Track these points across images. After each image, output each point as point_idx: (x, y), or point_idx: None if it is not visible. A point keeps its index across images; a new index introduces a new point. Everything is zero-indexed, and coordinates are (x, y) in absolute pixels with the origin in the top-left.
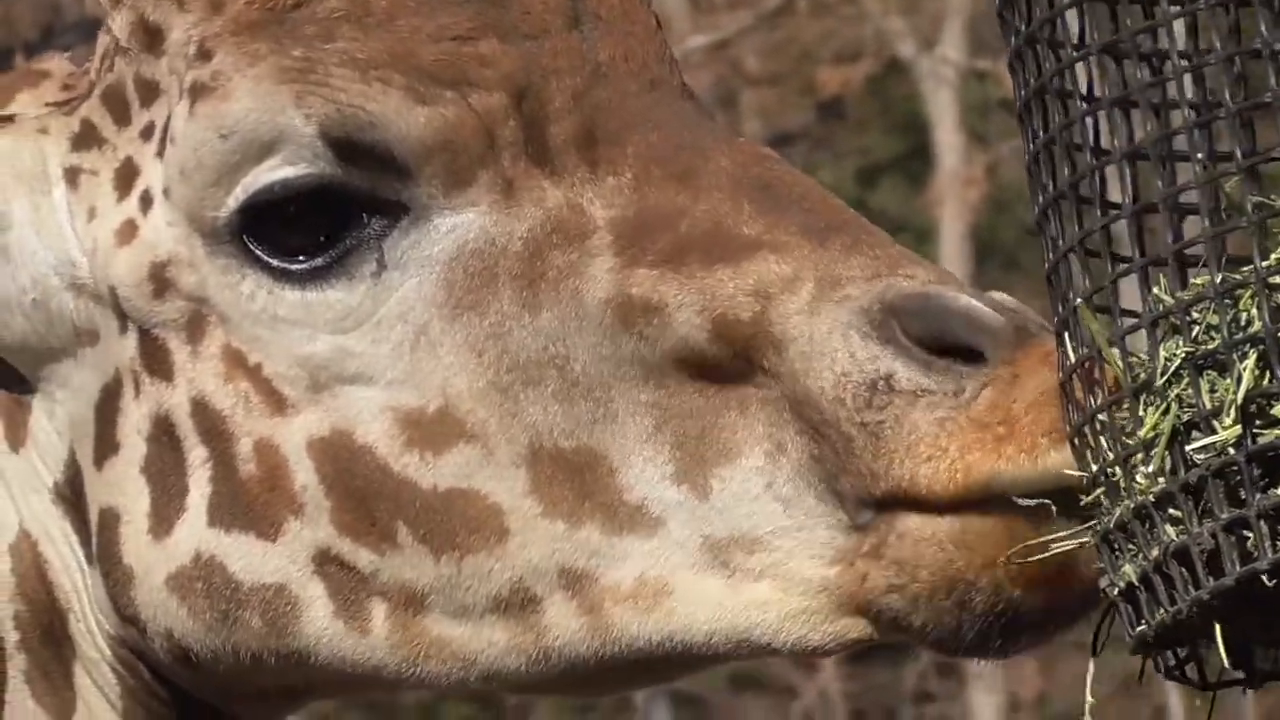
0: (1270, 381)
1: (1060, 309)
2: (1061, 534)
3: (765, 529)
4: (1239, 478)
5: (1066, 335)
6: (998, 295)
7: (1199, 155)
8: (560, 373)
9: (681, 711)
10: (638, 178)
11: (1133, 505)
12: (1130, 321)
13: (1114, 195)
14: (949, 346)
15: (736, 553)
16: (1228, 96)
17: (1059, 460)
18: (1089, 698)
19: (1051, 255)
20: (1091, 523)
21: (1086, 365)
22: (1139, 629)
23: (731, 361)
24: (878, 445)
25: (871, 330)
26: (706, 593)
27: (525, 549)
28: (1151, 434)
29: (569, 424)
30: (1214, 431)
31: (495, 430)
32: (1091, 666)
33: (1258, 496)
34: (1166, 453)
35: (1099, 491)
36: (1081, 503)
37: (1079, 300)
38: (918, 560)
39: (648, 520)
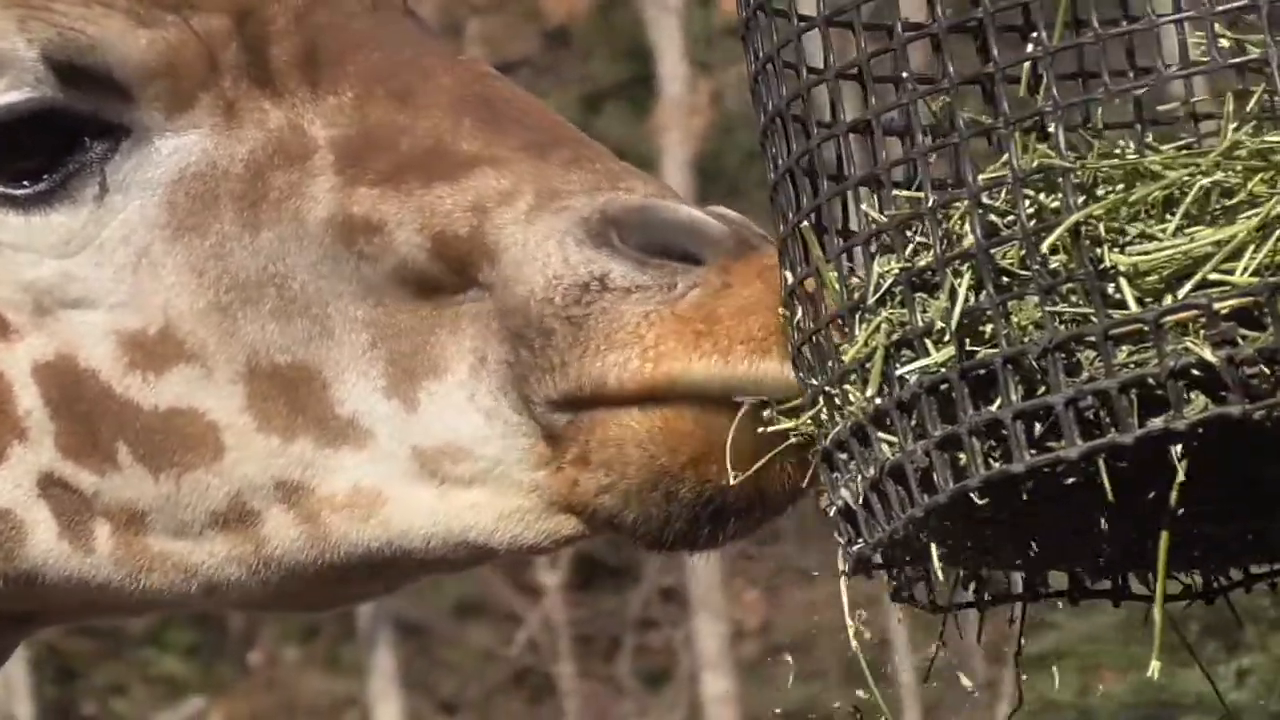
0: (982, 299)
1: (780, 229)
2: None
3: (469, 439)
4: (952, 395)
5: (787, 256)
6: (720, 209)
7: (905, 75)
8: (279, 291)
9: (406, 639)
10: (359, 97)
11: (849, 424)
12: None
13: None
14: (670, 255)
15: (445, 462)
16: (938, 17)
17: (752, 368)
18: (850, 621)
19: (773, 175)
20: (791, 423)
21: (806, 285)
22: (856, 547)
23: (450, 278)
24: (576, 335)
25: (588, 238)
26: (420, 499)
27: (241, 464)
28: (865, 352)
29: (286, 341)
30: (927, 351)
31: (214, 349)
32: (844, 588)
33: (969, 413)
34: (881, 372)
35: (817, 409)
36: (800, 420)
37: (797, 220)
38: (624, 460)
39: (359, 433)
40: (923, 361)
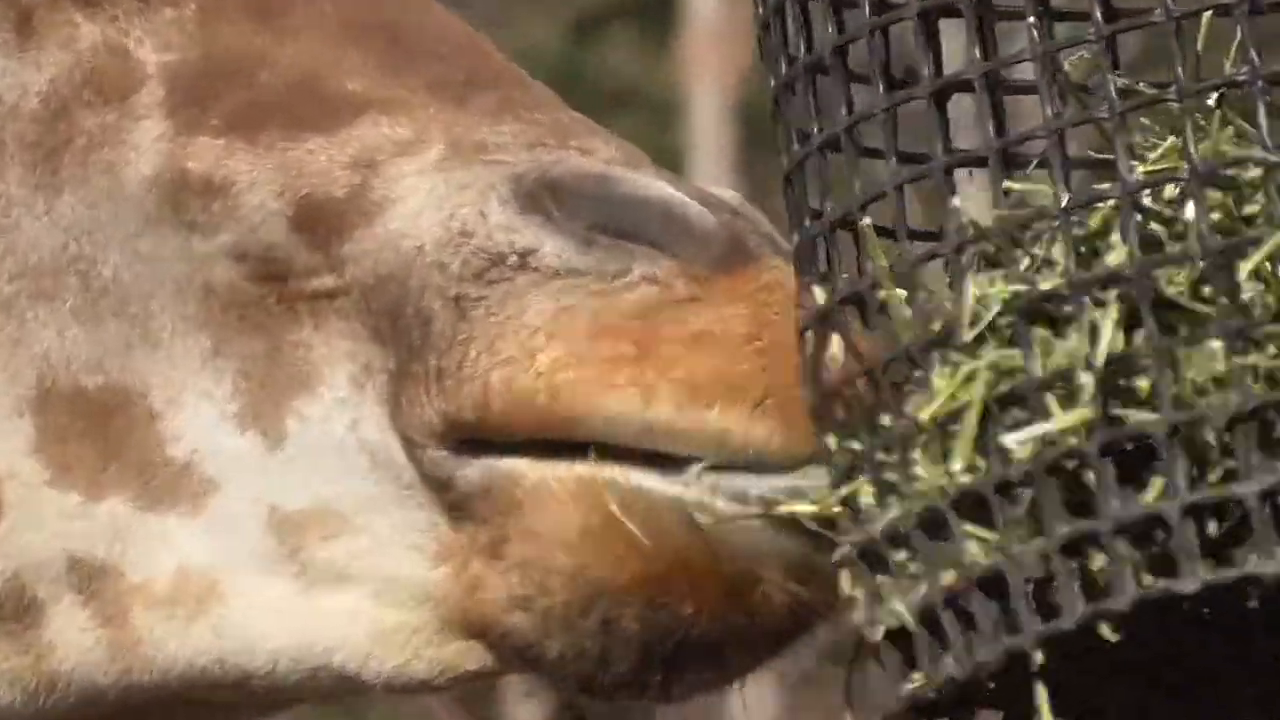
0: (1136, 341)
1: (802, 225)
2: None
3: (348, 498)
4: (1086, 477)
5: (810, 265)
6: (721, 192)
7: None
8: (84, 281)
9: None
10: (204, 10)
11: (916, 509)
12: (924, 247)
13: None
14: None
15: (312, 536)
16: None
17: (685, 417)
18: None
19: (797, 146)
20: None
21: (834, 310)
22: (913, 685)
23: (307, 256)
24: (457, 328)
25: (516, 200)
26: (269, 596)
27: (23, 531)
28: (949, 408)
29: (94, 352)
30: (1048, 412)
31: None
32: None
33: (1113, 505)
34: (976, 439)
35: (852, 488)
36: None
37: (836, 215)
38: (546, 564)
39: (198, 484)
40: (1043, 427)
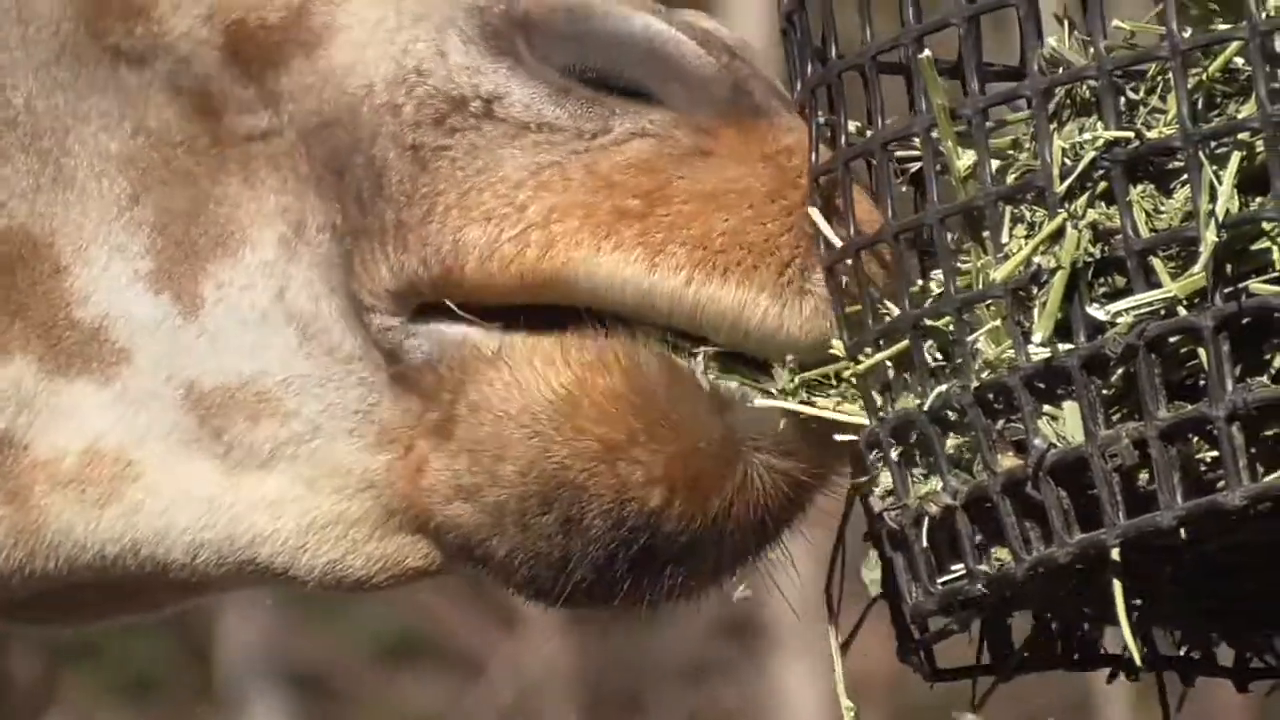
0: (1265, 204)
1: (812, 58)
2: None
3: (276, 376)
4: (1191, 356)
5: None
6: (708, 21)
7: None
8: None
9: (300, 697)
10: None
11: (975, 385)
12: (998, 88)
13: None
14: (610, 87)
15: (237, 415)
16: None
17: (696, 289)
18: (845, 701)
19: None
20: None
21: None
22: (945, 584)
23: (244, 94)
24: (418, 180)
25: (481, 39)
26: (191, 479)
27: None
28: (1023, 274)
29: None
30: (1147, 281)
31: None
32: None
33: (1229, 388)
34: (1061, 308)
35: (872, 362)
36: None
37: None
38: (499, 447)
39: (108, 351)
40: (1150, 295)
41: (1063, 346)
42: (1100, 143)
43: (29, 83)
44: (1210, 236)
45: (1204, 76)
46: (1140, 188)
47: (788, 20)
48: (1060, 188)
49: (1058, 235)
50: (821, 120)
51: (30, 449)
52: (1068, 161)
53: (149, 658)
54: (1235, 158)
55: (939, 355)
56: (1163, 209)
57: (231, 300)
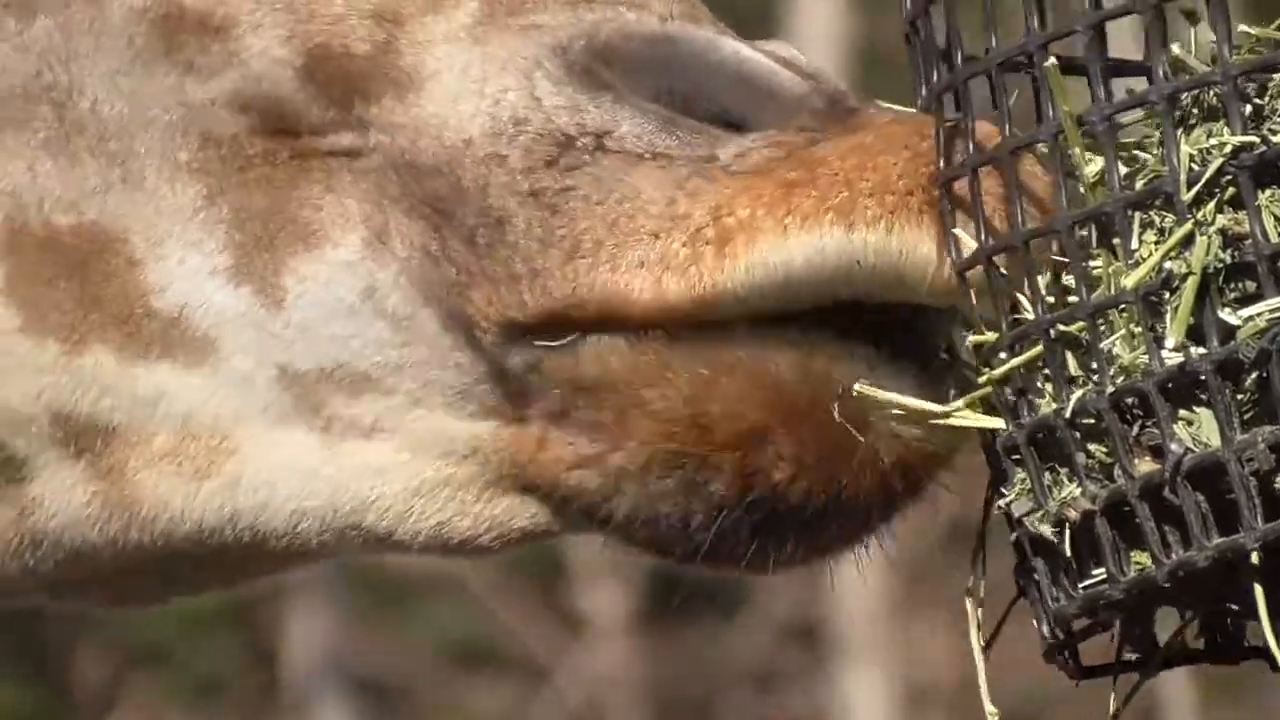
0: None
1: (937, 64)
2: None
3: (372, 359)
4: None
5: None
6: (786, 50)
7: None
8: (59, 112)
9: (365, 702)
10: None
11: (1112, 389)
12: (1126, 88)
13: None
14: (696, 114)
15: (333, 393)
16: None
17: (900, 237)
18: (989, 707)
19: None
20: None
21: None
22: (1086, 589)
23: (322, 114)
24: (552, 224)
25: (569, 77)
26: (291, 451)
27: None
28: (1155, 279)
29: (69, 190)
30: (1274, 283)
31: None
32: (979, 645)
33: None
34: (1193, 311)
35: (1025, 357)
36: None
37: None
38: (623, 425)
39: (190, 338)
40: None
41: (1197, 351)
42: (1227, 148)
43: (96, 89)
44: None
45: None
46: (1269, 192)
47: (911, 26)
48: (1188, 195)
49: (1188, 241)
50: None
51: (118, 430)
52: (1195, 167)
53: (215, 661)
54: None
55: (1073, 361)
56: None
57: (316, 293)
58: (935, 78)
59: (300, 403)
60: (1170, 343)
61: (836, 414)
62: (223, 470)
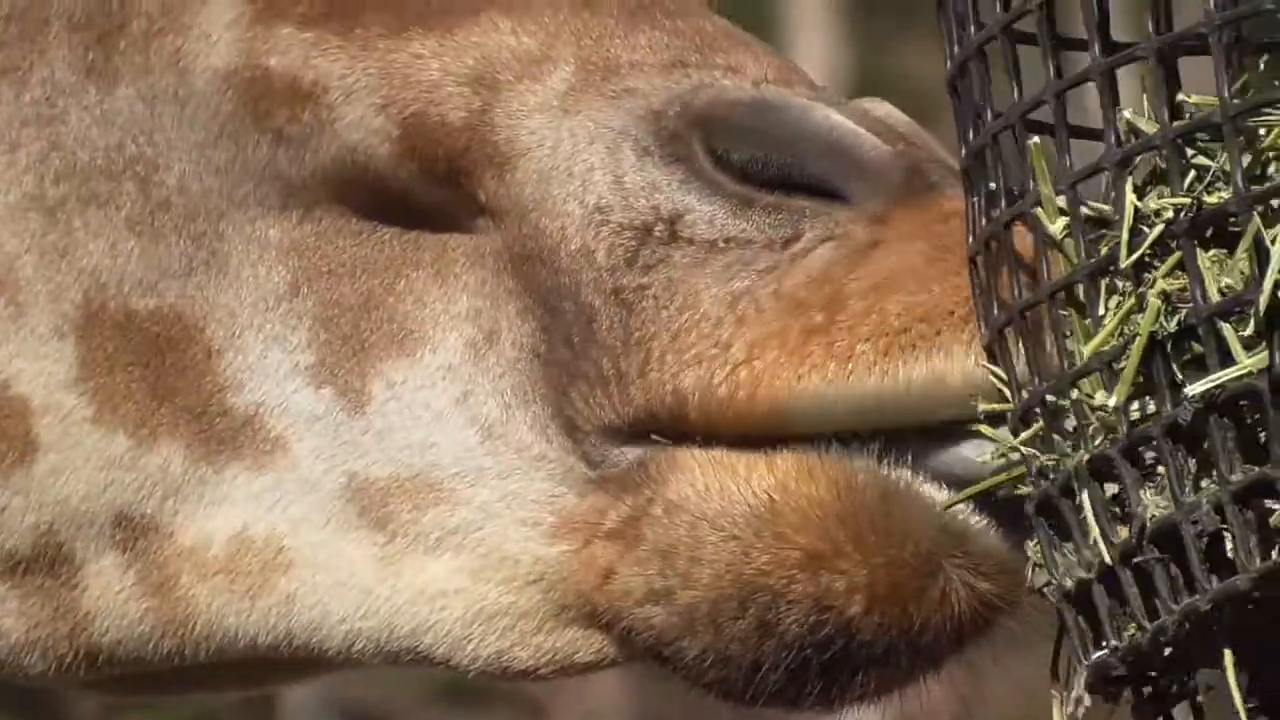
0: None
1: (970, 132)
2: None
3: (450, 469)
4: (1256, 418)
5: (977, 187)
6: (880, 108)
7: None
8: (142, 188)
9: None
10: None
11: (1082, 459)
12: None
13: None
14: (794, 186)
15: (402, 505)
16: None
17: (883, 381)
18: None
19: (960, 43)
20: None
21: (1008, 228)
22: (1098, 655)
23: (429, 192)
24: (629, 325)
25: (656, 146)
26: (348, 569)
27: (61, 476)
28: (1113, 342)
29: (150, 271)
30: (1218, 343)
31: (31, 274)
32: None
33: None
34: (1137, 374)
35: (1030, 432)
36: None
37: (997, 126)
38: (694, 550)
39: (262, 441)
40: (1224, 375)
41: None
42: (1167, 213)
43: (183, 163)
44: (1263, 301)
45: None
46: (1213, 253)
47: (951, 88)
48: (1128, 261)
49: (1136, 306)
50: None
51: (175, 536)
52: (1146, 229)
53: (208, 697)
54: None
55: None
56: (1229, 273)
57: (405, 399)
58: (972, 137)
59: (365, 514)
60: (1112, 402)
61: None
62: (277, 588)
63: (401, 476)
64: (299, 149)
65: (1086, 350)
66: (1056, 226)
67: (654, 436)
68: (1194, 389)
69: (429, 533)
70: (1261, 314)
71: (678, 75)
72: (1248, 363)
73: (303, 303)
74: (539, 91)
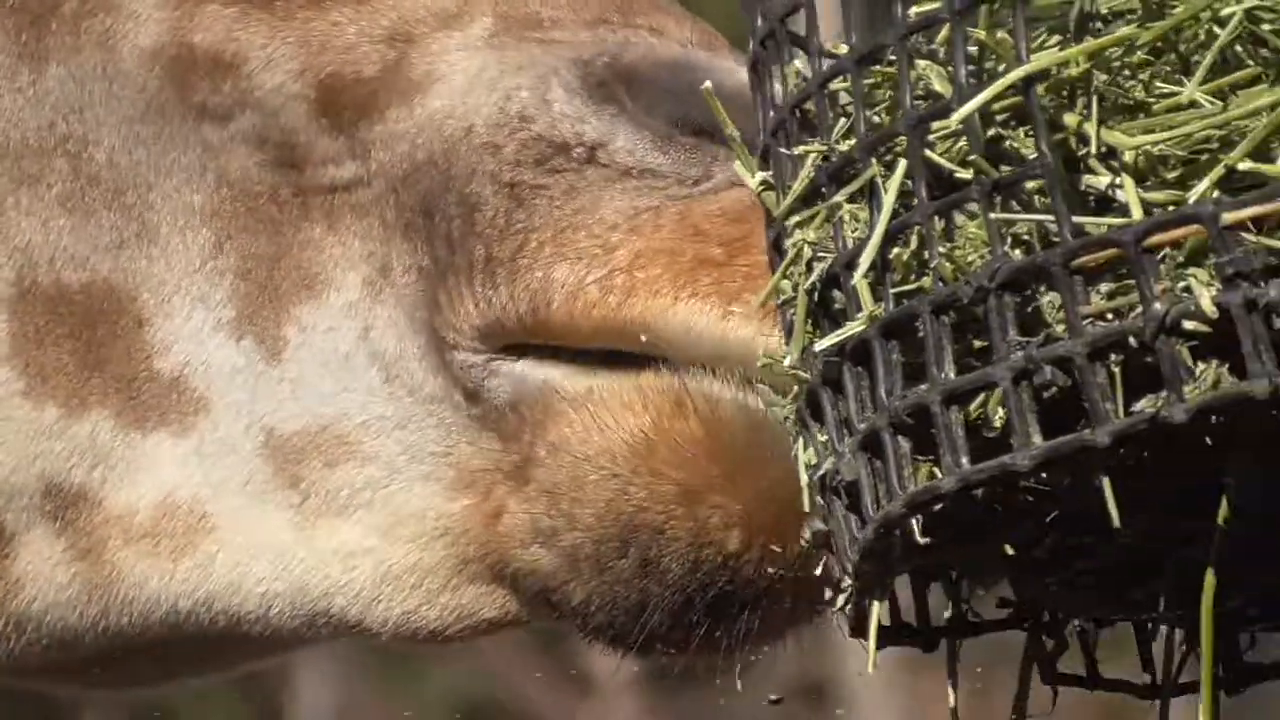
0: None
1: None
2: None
3: (356, 418)
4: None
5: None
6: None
7: None
8: (73, 164)
9: None
10: None
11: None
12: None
13: None
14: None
15: (313, 463)
16: None
17: (753, 335)
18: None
19: None
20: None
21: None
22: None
23: (330, 146)
24: (512, 216)
25: (584, 90)
26: (264, 532)
27: None
28: (786, 296)
29: (81, 246)
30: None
31: None
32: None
33: (891, 396)
34: (803, 329)
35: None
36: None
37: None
38: (576, 490)
39: (187, 402)
40: (842, 333)
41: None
42: (816, 158)
43: (112, 138)
44: (868, 253)
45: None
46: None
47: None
48: (781, 216)
49: (796, 258)
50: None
51: (104, 504)
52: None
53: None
54: (901, 165)
55: None
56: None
57: (315, 343)
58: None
59: (280, 473)
60: (789, 359)
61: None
62: (199, 549)
63: (312, 430)
64: (222, 118)
65: (756, 300)
66: (755, 180)
67: (509, 348)
68: (821, 345)
69: (339, 490)
70: (869, 262)
71: (603, 31)
72: (852, 327)
73: (225, 259)
74: (459, 37)
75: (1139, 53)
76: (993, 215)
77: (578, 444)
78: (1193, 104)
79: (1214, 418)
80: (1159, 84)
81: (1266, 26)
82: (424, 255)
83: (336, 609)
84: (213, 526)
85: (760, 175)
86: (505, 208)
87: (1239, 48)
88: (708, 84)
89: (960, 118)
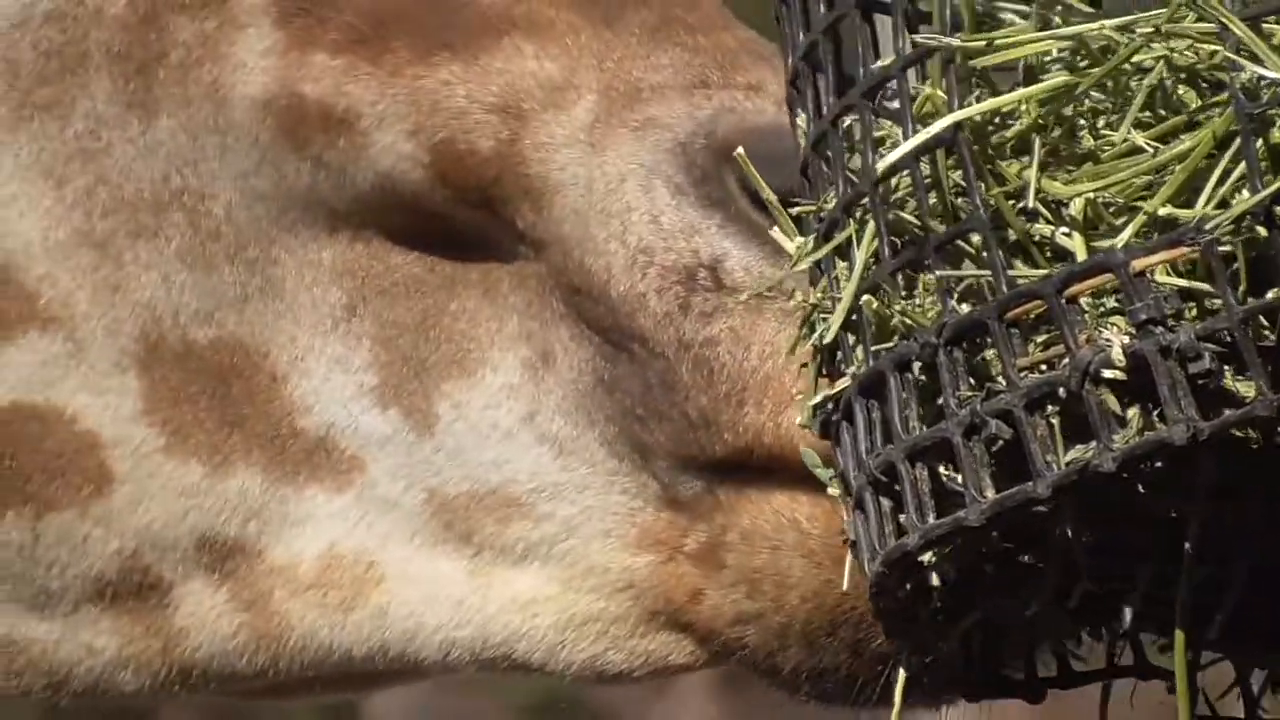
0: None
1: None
2: None
3: (526, 485)
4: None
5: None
6: None
7: None
8: (191, 218)
9: None
10: None
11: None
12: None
13: None
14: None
15: (484, 519)
16: None
17: None
18: None
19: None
20: None
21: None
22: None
23: (468, 215)
24: (694, 378)
25: (689, 183)
26: (439, 581)
27: (139, 505)
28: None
29: (205, 301)
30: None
31: (86, 309)
32: None
33: (864, 452)
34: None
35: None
36: None
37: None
38: (780, 575)
39: (339, 461)
40: (825, 393)
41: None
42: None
43: (229, 192)
44: (839, 311)
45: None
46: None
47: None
48: (797, 265)
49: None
50: None
51: (264, 555)
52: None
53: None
54: (872, 224)
55: None
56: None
57: (471, 418)
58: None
59: (450, 529)
60: (799, 419)
61: None
62: (369, 601)
63: (480, 492)
64: (338, 174)
65: (785, 347)
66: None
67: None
68: (809, 404)
69: (514, 545)
70: (838, 324)
71: (699, 98)
72: (839, 386)
73: (360, 324)
74: (565, 123)
75: (1087, 101)
76: (938, 272)
77: (773, 532)
78: (1138, 150)
79: (1145, 464)
80: (1105, 131)
81: (1202, 67)
82: (603, 369)
83: (519, 654)
84: (381, 577)
85: (799, 240)
86: (688, 365)
87: (1180, 91)
88: (740, 150)
89: (886, 166)
